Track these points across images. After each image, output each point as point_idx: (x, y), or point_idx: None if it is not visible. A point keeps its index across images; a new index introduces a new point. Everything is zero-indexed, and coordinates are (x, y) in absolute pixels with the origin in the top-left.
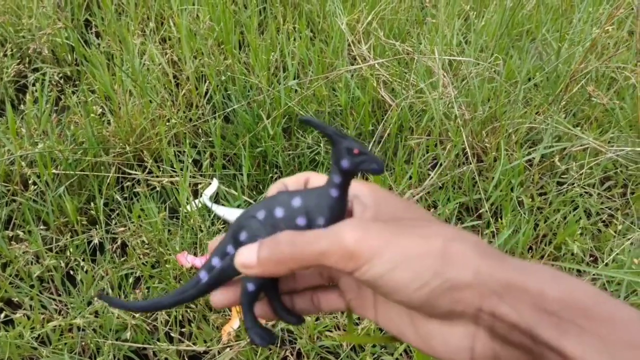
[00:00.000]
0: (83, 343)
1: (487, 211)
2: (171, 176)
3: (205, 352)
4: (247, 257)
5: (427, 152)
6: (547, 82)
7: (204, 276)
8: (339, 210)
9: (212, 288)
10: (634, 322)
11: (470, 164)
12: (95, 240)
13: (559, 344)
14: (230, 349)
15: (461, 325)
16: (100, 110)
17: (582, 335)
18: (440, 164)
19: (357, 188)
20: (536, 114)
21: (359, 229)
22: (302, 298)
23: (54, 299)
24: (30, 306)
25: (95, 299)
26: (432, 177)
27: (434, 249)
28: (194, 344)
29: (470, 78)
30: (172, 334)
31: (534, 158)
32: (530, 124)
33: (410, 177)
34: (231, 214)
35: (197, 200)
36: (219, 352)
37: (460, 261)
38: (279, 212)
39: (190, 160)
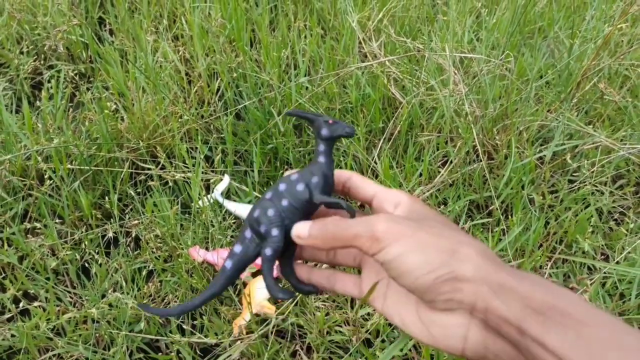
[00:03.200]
0: (97, 335)
1: (497, 209)
2: (183, 172)
3: (217, 345)
4: (302, 230)
5: (437, 150)
6: (558, 80)
7: (228, 264)
8: (328, 170)
9: (239, 272)
10: (609, 323)
11: (481, 161)
12: (110, 234)
13: (542, 338)
14: (241, 342)
15: (458, 315)
16: (114, 106)
17: (563, 331)
18: (451, 162)
19: (400, 195)
20: (547, 111)
21: (388, 221)
22: (320, 274)
23: (69, 292)
24: (46, 298)
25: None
26: (442, 175)
27: (445, 245)
28: (205, 336)
29: (482, 75)
30: (184, 326)
31: (545, 156)
32: (541, 121)
33: (421, 174)
34: (242, 209)
35: (209, 196)
36: (230, 345)
37: (465, 258)
38: (282, 187)
39: (202, 157)
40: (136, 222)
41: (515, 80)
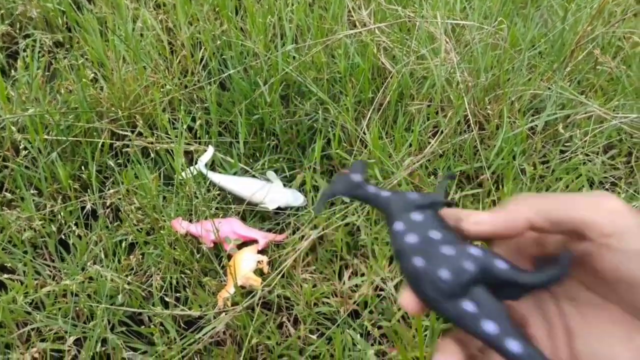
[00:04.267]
0: (77, 308)
1: (489, 179)
2: (166, 143)
3: (200, 317)
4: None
5: (428, 120)
6: (551, 49)
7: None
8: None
9: None
10: None
11: (472, 131)
12: (88, 206)
13: None
14: (226, 314)
15: None
16: (93, 75)
17: None
18: (441, 132)
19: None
20: (540, 81)
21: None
22: None
23: (48, 265)
24: (24, 272)
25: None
26: (432, 145)
27: None
28: (189, 309)
29: (474, 44)
30: (167, 299)
31: (537, 126)
32: (534, 91)
33: (410, 145)
34: (227, 181)
35: (192, 167)
36: (214, 317)
37: None
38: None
39: (185, 127)
40: (115, 192)
41: (509, 49)
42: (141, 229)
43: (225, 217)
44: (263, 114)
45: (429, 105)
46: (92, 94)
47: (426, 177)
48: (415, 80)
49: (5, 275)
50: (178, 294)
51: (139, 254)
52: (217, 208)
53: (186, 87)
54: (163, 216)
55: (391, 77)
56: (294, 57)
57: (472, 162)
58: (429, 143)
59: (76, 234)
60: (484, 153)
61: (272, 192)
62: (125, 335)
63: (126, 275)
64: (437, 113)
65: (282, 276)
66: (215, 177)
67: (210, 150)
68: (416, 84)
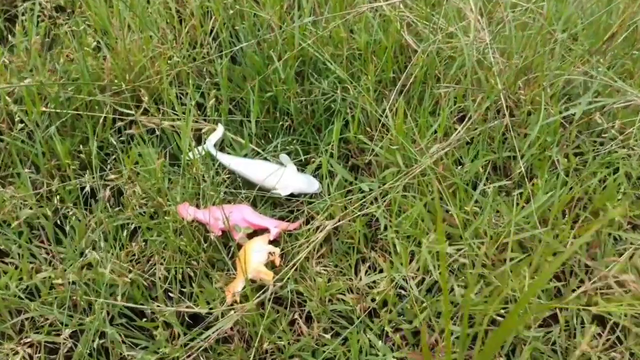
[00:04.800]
0: (74, 297)
1: (522, 171)
2: (172, 119)
3: (208, 314)
4: None
5: (455, 104)
6: (589, 31)
7: None
8: None
9: None
10: None
11: (503, 117)
12: (88, 188)
13: None
14: (235, 312)
15: None
16: (96, 44)
17: None
18: (469, 117)
19: None
20: (574, 66)
21: None
22: None
23: (45, 248)
24: (19, 255)
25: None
26: (459, 132)
27: None
28: (195, 304)
29: (508, 22)
30: (171, 293)
31: (573, 114)
32: (569, 75)
33: (436, 131)
34: (238, 163)
35: (200, 147)
36: (222, 315)
37: None
38: None
39: (193, 103)
40: (117, 175)
41: (548, 26)
42: (144, 212)
43: (235, 203)
44: (277, 91)
45: (458, 87)
46: (94, 64)
47: (453, 166)
48: (442, 60)
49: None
50: (184, 288)
51: (142, 241)
52: (225, 193)
53: (194, 59)
54: (168, 200)
55: (416, 57)
56: (310, 32)
57: (501, 151)
58: (455, 129)
59: (75, 216)
60: (514, 142)
61: (285, 177)
62: (125, 328)
63: (128, 262)
64: (464, 97)
65: (295, 269)
66: (225, 158)
67: (220, 129)
68: (442, 64)
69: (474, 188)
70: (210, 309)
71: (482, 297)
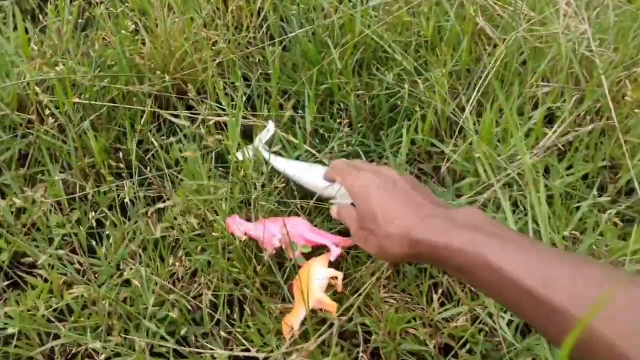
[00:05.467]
0: (110, 322)
1: (633, 184)
2: (218, 115)
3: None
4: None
5: (542, 104)
6: None
7: None
8: None
9: None
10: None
11: (600, 120)
12: (126, 191)
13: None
14: (297, 356)
15: None
16: (134, 26)
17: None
18: (562, 119)
19: None
20: None
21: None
22: None
23: (78, 261)
24: (49, 265)
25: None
26: (550, 136)
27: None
28: (247, 339)
29: (605, 8)
30: (217, 318)
31: None
32: None
33: (527, 135)
34: (294, 168)
35: (250, 147)
36: (283, 357)
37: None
38: None
39: (243, 96)
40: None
41: None
42: (187, 222)
43: (286, 215)
44: (332, 84)
45: (561, 87)
46: (132, 49)
47: (539, 175)
48: (524, 52)
49: (25, 270)
50: (231, 312)
51: (184, 256)
52: (278, 202)
53: (239, 44)
54: (214, 208)
55: (492, 47)
56: (371, 17)
57: (596, 161)
58: (544, 134)
59: (112, 222)
60: (610, 150)
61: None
62: (165, 358)
63: (169, 279)
64: (557, 95)
65: (356, 294)
66: (280, 162)
67: (271, 126)
68: (525, 56)
69: (567, 206)
70: (266, 348)
71: None
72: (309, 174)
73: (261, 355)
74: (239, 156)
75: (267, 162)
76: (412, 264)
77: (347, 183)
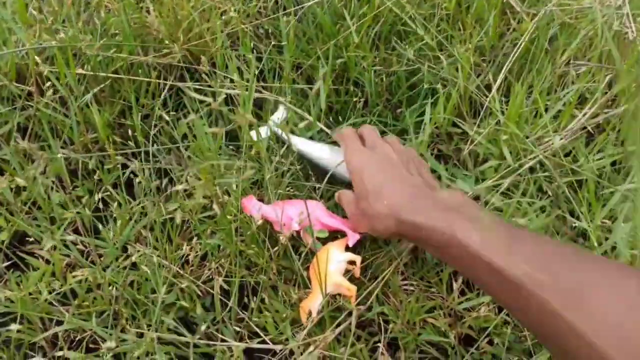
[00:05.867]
0: (116, 307)
1: None
2: (233, 85)
3: (282, 348)
4: None
5: (573, 84)
6: None
7: None
8: None
9: None
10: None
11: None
12: (132, 168)
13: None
14: (313, 347)
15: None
16: None
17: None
18: (594, 100)
19: None
20: None
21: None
22: None
23: (81, 242)
24: (51, 246)
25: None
26: (580, 118)
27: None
28: (260, 327)
29: None
30: (228, 302)
31: None
32: None
33: (556, 117)
34: (309, 146)
35: (264, 128)
36: (301, 352)
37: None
38: None
39: (256, 70)
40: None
41: None
42: (195, 202)
43: (298, 198)
44: (348, 57)
45: (595, 66)
46: (136, 18)
47: (568, 160)
48: (552, 28)
49: (25, 251)
50: (244, 298)
51: (194, 238)
52: (290, 184)
53: (248, 15)
54: (223, 188)
55: (517, 22)
56: None
57: (626, 146)
58: (574, 116)
59: (117, 202)
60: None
61: None
62: (176, 348)
63: (177, 262)
64: (587, 75)
65: (374, 280)
66: (298, 141)
67: (282, 110)
68: (564, 33)
69: (595, 193)
70: (281, 337)
71: None
72: (330, 155)
73: (278, 347)
74: (253, 135)
75: (279, 141)
76: (400, 240)
77: (346, 159)
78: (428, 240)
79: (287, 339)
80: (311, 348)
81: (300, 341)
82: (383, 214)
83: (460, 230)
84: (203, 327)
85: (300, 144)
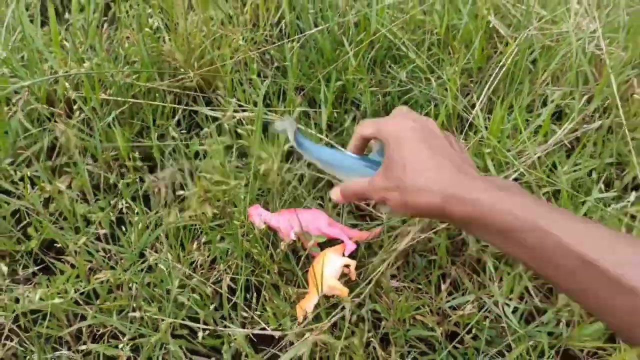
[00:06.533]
0: (134, 305)
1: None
2: (237, 111)
3: (280, 338)
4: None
5: (552, 102)
6: None
7: None
8: None
9: None
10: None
11: (607, 117)
12: (149, 182)
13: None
14: (310, 333)
15: None
16: (156, 24)
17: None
18: (572, 117)
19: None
20: None
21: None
22: None
23: (103, 248)
24: (75, 252)
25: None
26: (559, 134)
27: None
28: (264, 321)
29: (616, 7)
30: (236, 301)
31: None
32: None
33: (536, 132)
34: (328, 155)
35: (280, 123)
36: (296, 339)
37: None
38: None
39: (262, 92)
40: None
41: None
42: (206, 213)
43: (302, 207)
44: (347, 80)
45: (568, 89)
46: (154, 47)
47: (545, 173)
48: (535, 50)
49: (53, 255)
50: (249, 300)
51: (204, 244)
52: (294, 197)
53: (255, 42)
54: (233, 200)
55: (503, 45)
56: (385, 14)
57: (603, 157)
58: (553, 131)
59: (135, 211)
60: (620, 148)
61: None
62: (187, 341)
63: (189, 266)
64: (565, 94)
65: (368, 283)
66: (315, 149)
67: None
68: (535, 55)
69: (574, 202)
70: (281, 328)
71: (593, 331)
72: (343, 162)
73: (277, 334)
74: (277, 127)
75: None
76: (429, 221)
77: (381, 129)
78: (482, 220)
79: (284, 329)
80: (307, 335)
81: (298, 329)
82: (424, 188)
83: (543, 218)
84: (209, 320)
85: (324, 152)
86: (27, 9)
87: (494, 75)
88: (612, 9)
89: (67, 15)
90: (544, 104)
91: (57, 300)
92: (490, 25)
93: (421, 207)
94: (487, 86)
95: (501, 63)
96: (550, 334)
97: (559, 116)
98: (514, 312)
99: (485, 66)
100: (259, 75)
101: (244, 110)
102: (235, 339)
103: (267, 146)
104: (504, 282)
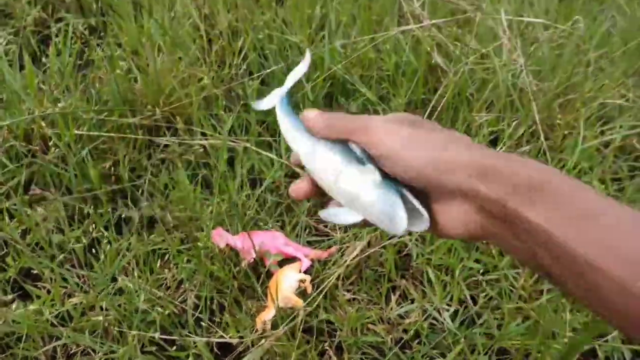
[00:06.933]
0: (107, 324)
1: None
2: (206, 139)
3: (239, 343)
4: (310, 113)
5: (487, 128)
6: (624, 54)
7: None
8: None
9: None
10: (585, 193)
11: (538, 141)
12: (122, 214)
13: (525, 213)
14: (266, 340)
15: (457, 202)
16: (127, 66)
17: (544, 206)
18: (504, 142)
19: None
20: (611, 88)
21: (382, 120)
22: None
23: (77, 274)
24: (51, 279)
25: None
26: None
27: (435, 140)
28: (225, 332)
29: (541, 43)
30: (202, 322)
31: (614, 139)
32: (604, 100)
33: None
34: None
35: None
36: (253, 344)
37: (453, 150)
38: None
39: (227, 127)
40: (149, 202)
41: (587, 49)
42: (174, 237)
43: (263, 229)
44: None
45: (496, 116)
46: (125, 87)
47: None
48: (475, 82)
49: (31, 282)
50: (214, 316)
51: (173, 265)
52: (255, 219)
53: (222, 80)
54: (199, 224)
55: (447, 79)
56: (339, 54)
57: None
58: None
59: (108, 239)
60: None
61: (363, 189)
62: (155, 357)
63: (158, 287)
64: (502, 120)
65: (324, 296)
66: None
67: (307, 58)
68: (474, 86)
69: None
70: (241, 337)
71: (518, 330)
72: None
73: (234, 341)
74: (261, 104)
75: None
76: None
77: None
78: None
79: (242, 337)
80: (263, 341)
81: (254, 335)
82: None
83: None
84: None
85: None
86: (6, 54)
87: (438, 106)
88: (538, 45)
89: (44, 59)
90: (480, 130)
91: (31, 322)
92: (433, 61)
93: (456, 216)
94: (431, 117)
95: (442, 94)
96: (488, 335)
97: (496, 142)
98: (453, 318)
99: (431, 98)
100: (225, 110)
101: (206, 140)
102: (196, 345)
103: (230, 175)
104: (436, 289)
